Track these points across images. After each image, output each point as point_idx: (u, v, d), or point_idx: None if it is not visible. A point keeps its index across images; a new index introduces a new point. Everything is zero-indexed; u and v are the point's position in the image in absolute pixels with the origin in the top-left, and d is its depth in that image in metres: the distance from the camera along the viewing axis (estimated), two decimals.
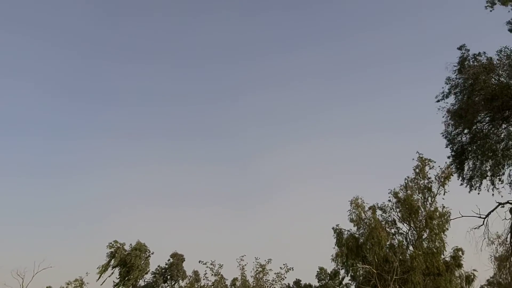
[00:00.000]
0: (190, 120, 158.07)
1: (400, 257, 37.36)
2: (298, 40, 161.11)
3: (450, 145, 23.53)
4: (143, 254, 59.93)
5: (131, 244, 59.86)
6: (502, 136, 21.01)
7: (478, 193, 22.43)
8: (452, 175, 35.91)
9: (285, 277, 33.35)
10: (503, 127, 21.27)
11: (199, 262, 33.93)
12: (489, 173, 21.93)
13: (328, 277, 63.71)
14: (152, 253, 61.83)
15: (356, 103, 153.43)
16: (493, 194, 21.97)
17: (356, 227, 40.74)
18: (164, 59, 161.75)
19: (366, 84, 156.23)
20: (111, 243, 58.48)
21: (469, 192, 22.71)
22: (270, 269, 33.71)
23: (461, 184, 23.30)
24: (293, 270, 33.67)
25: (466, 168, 23.16)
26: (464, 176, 23.23)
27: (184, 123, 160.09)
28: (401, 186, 41.12)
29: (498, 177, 21.84)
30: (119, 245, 58.59)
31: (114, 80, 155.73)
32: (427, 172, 40.20)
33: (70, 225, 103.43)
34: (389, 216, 40.84)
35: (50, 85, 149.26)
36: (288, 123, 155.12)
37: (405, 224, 39.91)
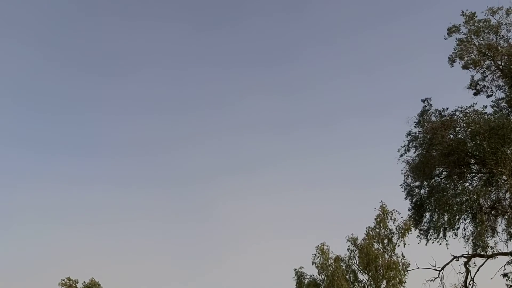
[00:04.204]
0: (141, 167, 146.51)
1: None
2: (261, 88, 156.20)
3: (410, 197, 24.12)
4: None
5: (84, 282, 57.55)
6: (458, 191, 21.69)
7: (433, 243, 22.96)
8: (412, 228, 36.57)
9: None
10: (458, 182, 22.04)
11: None
12: (445, 226, 22.46)
13: None
14: None
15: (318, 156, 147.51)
16: (447, 247, 22.55)
17: (318, 273, 40.81)
18: (103, 70, 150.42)
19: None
20: (63, 279, 56.12)
21: (426, 244, 23.22)
22: None
23: (418, 236, 23.85)
24: None
25: (424, 220, 23.69)
26: (422, 228, 23.74)
27: (136, 168, 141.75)
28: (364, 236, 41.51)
29: (453, 231, 22.41)
30: (71, 282, 56.24)
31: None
32: (388, 223, 40.76)
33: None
34: (351, 265, 41.08)
35: None
36: (239, 149, 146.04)
37: (365, 274, 40.06)
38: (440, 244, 22.98)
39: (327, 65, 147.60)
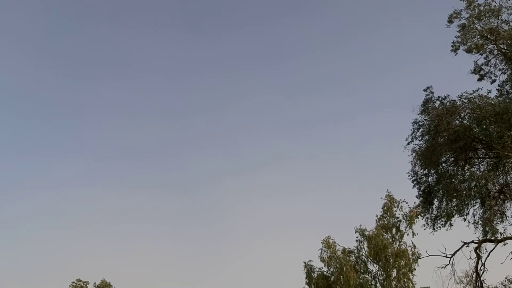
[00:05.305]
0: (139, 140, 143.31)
1: None
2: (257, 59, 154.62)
3: (417, 185, 24.06)
4: None
5: (95, 283, 57.77)
6: (466, 177, 21.66)
7: (437, 231, 22.96)
8: (420, 216, 36.47)
9: None
10: (466, 168, 22.00)
11: None
12: (453, 210, 22.45)
13: None
14: None
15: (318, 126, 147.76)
16: (448, 229, 22.63)
17: (326, 266, 40.82)
18: (112, 74, 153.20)
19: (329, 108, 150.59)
20: (74, 282, 56.33)
21: (432, 234, 23.21)
22: None
23: (424, 225, 23.82)
24: None
25: (432, 208, 23.65)
26: (430, 216, 23.69)
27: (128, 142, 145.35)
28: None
29: (462, 217, 22.39)
30: (82, 284, 56.47)
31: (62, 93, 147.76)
32: (395, 211, 40.75)
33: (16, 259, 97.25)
34: (359, 256, 41.11)
35: None
36: (245, 149, 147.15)
37: (374, 264, 40.09)
38: (447, 230, 23.03)
39: (328, 67, 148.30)
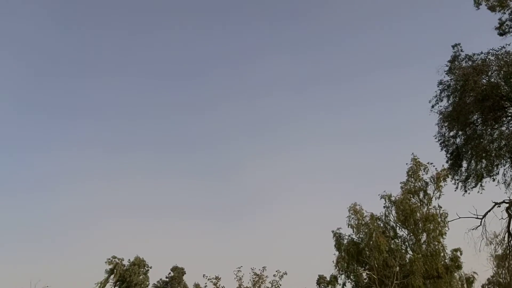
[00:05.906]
0: (169, 132, 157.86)
1: (400, 261, 37.44)
2: (278, 47, 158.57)
3: (445, 148, 23.76)
4: (142, 269, 59.79)
5: (129, 260, 59.49)
6: (495, 136, 21.28)
7: (469, 193, 22.74)
8: (448, 177, 35.92)
9: (280, 284, 33.41)
10: (495, 127, 21.57)
11: (203, 276, 33.92)
12: (482, 172, 22.17)
13: (328, 285, 63.62)
14: (151, 267, 61.83)
15: (346, 109, 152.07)
16: (480, 191, 22.33)
17: (355, 233, 40.89)
18: (140, 72, 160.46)
19: (355, 90, 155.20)
20: (109, 258, 58.11)
21: (463, 195, 22.97)
22: (266, 276, 33.81)
23: (456, 188, 23.53)
24: (286, 274, 33.79)
25: (462, 170, 23.38)
26: (459, 178, 23.42)
27: (162, 135, 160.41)
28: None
29: (492, 177, 22.10)
30: (117, 260, 58.22)
31: (92, 94, 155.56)
32: (421, 175, 40.33)
33: (56, 241, 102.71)
34: (387, 221, 41.04)
35: (17, 101, 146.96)
36: (272, 131, 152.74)
37: (403, 228, 40.02)
38: (478, 192, 22.77)
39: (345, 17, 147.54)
